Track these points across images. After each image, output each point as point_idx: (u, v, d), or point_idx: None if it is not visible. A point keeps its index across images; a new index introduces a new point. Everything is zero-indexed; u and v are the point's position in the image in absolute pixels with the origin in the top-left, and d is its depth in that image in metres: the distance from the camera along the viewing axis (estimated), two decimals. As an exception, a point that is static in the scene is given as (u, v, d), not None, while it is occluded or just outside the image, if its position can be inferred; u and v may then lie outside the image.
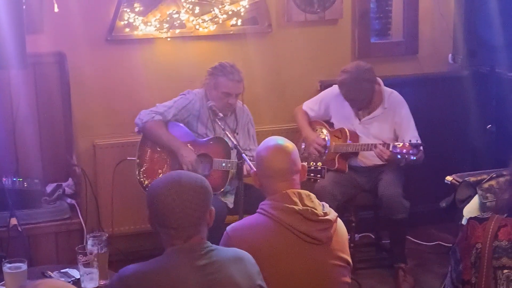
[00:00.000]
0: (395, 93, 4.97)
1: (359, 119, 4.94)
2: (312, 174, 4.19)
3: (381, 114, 4.91)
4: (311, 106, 5.13)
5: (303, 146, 5.06)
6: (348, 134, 4.90)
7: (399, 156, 4.62)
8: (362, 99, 4.84)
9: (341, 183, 4.83)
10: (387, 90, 4.95)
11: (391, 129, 4.92)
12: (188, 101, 4.68)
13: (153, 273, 2.39)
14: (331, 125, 5.08)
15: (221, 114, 4.51)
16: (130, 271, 2.41)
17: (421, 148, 4.53)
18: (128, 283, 2.38)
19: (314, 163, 4.31)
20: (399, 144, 4.60)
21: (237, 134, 4.69)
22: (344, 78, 4.81)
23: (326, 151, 4.96)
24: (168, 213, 2.43)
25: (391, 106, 4.91)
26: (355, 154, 4.91)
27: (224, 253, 2.50)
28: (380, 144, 4.69)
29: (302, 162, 3.03)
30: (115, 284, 2.42)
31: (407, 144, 4.58)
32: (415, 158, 4.53)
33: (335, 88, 5.03)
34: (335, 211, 4.59)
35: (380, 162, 4.83)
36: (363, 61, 4.94)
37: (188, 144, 4.61)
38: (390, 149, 4.63)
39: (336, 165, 4.88)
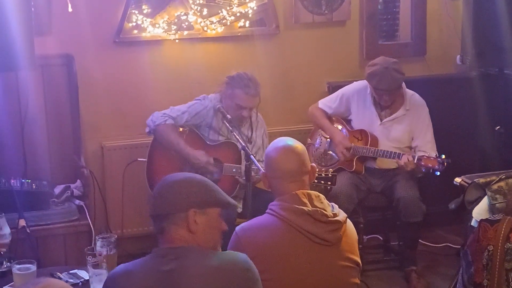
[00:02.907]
0: (416, 95, 4.95)
1: (381, 120, 4.91)
2: (322, 182, 4.16)
3: (402, 116, 4.89)
4: (328, 103, 5.07)
5: (317, 143, 5.03)
6: (369, 137, 4.86)
7: (423, 170, 4.62)
8: (393, 89, 4.78)
9: (357, 185, 4.82)
10: (408, 91, 4.93)
11: (410, 131, 4.89)
12: (203, 107, 4.65)
13: (124, 274, 2.45)
14: (348, 122, 5.05)
15: (229, 116, 4.49)
16: (114, 270, 2.51)
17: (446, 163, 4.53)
18: (108, 283, 2.48)
19: (325, 170, 4.29)
20: (425, 158, 4.59)
21: (251, 144, 4.66)
22: (374, 69, 4.76)
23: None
24: (153, 199, 2.54)
25: (412, 108, 4.89)
26: (373, 158, 4.89)
27: (203, 260, 2.44)
28: (404, 154, 4.68)
29: (312, 162, 3.03)
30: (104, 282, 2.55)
31: (433, 158, 4.57)
32: (439, 173, 4.54)
33: (356, 84, 5.02)
34: (352, 214, 4.64)
35: (394, 166, 4.83)
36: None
37: (199, 149, 4.59)
38: (415, 161, 4.61)
39: (354, 167, 4.87)
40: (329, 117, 5.08)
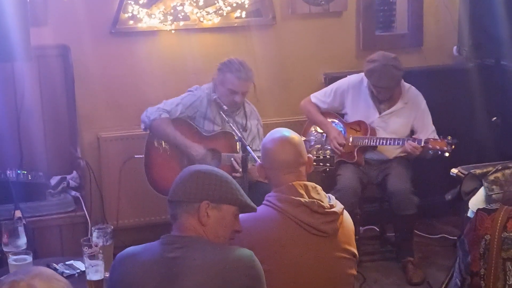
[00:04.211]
0: (413, 87, 4.95)
1: (379, 113, 4.91)
2: (321, 164, 4.15)
3: (401, 109, 4.89)
4: (322, 98, 5.05)
5: (312, 140, 5.03)
6: (368, 127, 4.86)
7: (430, 152, 4.62)
8: (392, 87, 4.78)
9: (360, 178, 4.82)
10: (405, 84, 4.92)
11: (409, 124, 4.90)
12: (196, 98, 4.64)
13: (130, 256, 2.49)
14: (342, 116, 5.04)
15: (225, 107, 4.48)
16: (122, 252, 2.54)
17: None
18: (115, 262, 2.54)
19: (323, 152, 4.28)
20: (431, 140, 4.61)
21: (247, 132, 4.65)
22: (374, 66, 4.73)
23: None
24: (173, 184, 2.56)
25: (410, 101, 4.89)
26: (373, 147, 4.89)
27: (208, 253, 2.44)
28: (407, 140, 4.69)
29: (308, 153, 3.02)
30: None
31: (440, 140, 4.59)
32: (448, 154, 4.55)
33: (350, 78, 5.01)
34: (357, 206, 4.64)
35: (391, 156, 4.86)
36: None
37: (196, 141, 4.58)
38: (422, 144, 4.62)
39: (356, 158, 4.86)
40: (323, 112, 5.07)
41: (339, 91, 5.01)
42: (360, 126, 4.91)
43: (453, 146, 4.56)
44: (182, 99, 4.65)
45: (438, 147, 4.58)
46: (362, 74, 4.92)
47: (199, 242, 2.46)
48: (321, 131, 5.03)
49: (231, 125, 4.28)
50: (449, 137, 4.60)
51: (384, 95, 4.84)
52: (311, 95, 5.08)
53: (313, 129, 5.08)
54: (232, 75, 4.54)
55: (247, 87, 4.60)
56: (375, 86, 4.79)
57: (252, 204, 2.60)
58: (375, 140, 4.81)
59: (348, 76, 5.07)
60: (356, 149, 4.87)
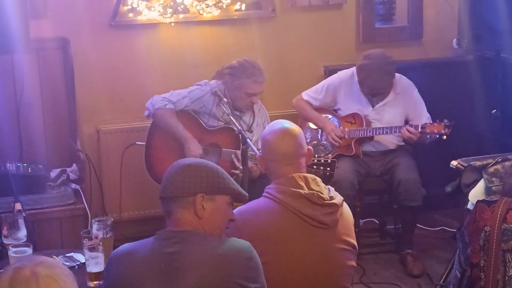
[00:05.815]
0: (403, 77, 4.95)
1: (372, 106, 4.90)
2: (322, 168, 4.16)
3: (393, 100, 4.89)
4: (313, 95, 5.04)
5: (307, 136, 5.02)
6: (363, 119, 4.86)
7: (428, 136, 4.64)
8: (377, 89, 4.79)
9: (357, 170, 4.81)
10: (396, 75, 4.91)
11: (403, 113, 4.90)
12: (204, 93, 4.60)
13: (127, 253, 2.48)
14: (335, 112, 5.04)
15: (225, 99, 4.47)
16: (117, 249, 2.53)
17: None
18: (110, 260, 2.53)
19: (325, 156, 4.29)
20: (428, 125, 4.62)
21: (251, 132, 4.63)
22: (367, 63, 4.74)
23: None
24: (164, 181, 2.56)
25: (402, 91, 4.89)
26: (370, 138, 4.89)
27: (207, 246, 2.44)
28: (403, 127, 4.70)
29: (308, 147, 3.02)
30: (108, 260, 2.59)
31: (436, 124, 4.61)
32: (445, 137, 4.58)
33: (341, 74, 5.01)
34: (354, 199, 4.63)
35: (392, 147, 4.87)
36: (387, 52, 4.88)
37: (197, 134, 4.57)
38: (419, 129, 4.63)
39: (354, 150, 4.86)
40: (315, 109, 5.06)
41: (331, 88, 5.01)
42: (354, 118, 4.91)
43: (450, 127, 4.57)
44: (190, 92, 4.62)
45: (435, 131, 4.60)
46: (352, 68, 4.93)
47: (196, 236, 2.46)
48: (316, 127, 5.03)
49: (231, 117, 4.26)
50: (446, 120, 4.60)
51: (365, 92, 4.84)
52: (302, 93, 5.08)
53: (307, 126, 5.08)
54: (249, 80, 4.53)
55: (263, 87, 4.62)
56: (359, 82, 4.80)
57: (244, 192, 2.61)
58: (371, 131, 4.81)
59: (338, 72, 5.07)
60: (353, 142, 4.87)
